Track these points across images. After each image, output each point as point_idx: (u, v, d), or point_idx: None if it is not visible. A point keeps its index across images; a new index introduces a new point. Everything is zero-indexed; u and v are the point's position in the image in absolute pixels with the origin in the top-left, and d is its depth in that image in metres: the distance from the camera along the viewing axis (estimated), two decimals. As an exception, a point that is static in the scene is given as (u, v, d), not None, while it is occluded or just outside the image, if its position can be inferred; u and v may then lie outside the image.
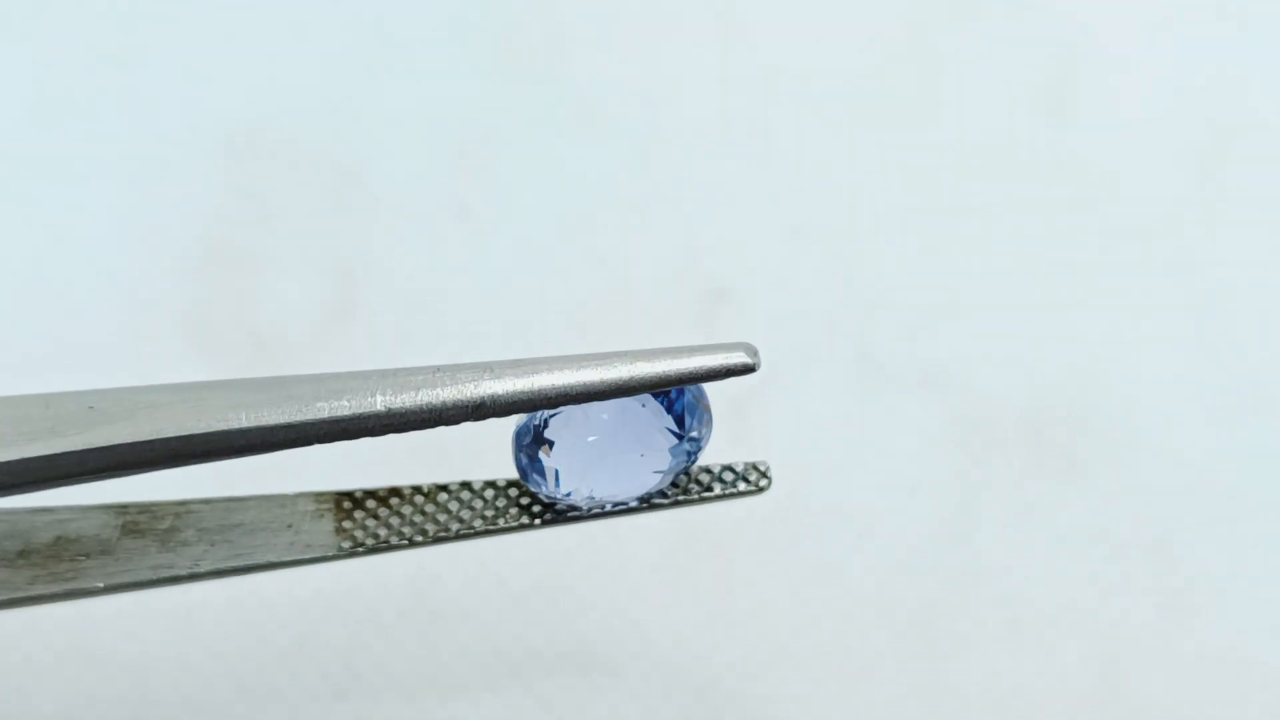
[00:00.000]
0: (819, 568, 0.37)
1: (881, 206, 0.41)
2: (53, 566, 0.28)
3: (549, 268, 0.40)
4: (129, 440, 0.24)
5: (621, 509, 0.28)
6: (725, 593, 0.37)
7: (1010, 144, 0.41)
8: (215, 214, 0.39)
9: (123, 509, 0.28)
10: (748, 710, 0.36)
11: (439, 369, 0.25)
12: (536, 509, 0.28)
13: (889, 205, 0.41)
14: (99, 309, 0.38)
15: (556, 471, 0.27)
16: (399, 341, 0.39)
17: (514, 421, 0.27)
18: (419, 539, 0.28)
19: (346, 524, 0.28)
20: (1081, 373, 0.39)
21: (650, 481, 0.27)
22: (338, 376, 0.25)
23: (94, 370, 0.32)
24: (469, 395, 0.24)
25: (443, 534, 0.28)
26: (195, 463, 0.24)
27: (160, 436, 0.24)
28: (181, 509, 0.28)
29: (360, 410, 0.24)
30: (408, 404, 0.24)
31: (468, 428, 0.25)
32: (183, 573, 0.28)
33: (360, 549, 0.28)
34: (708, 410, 0.27)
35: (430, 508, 0.28)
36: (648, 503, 0.28)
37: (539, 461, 0.27)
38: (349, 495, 0.28)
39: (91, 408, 0.24)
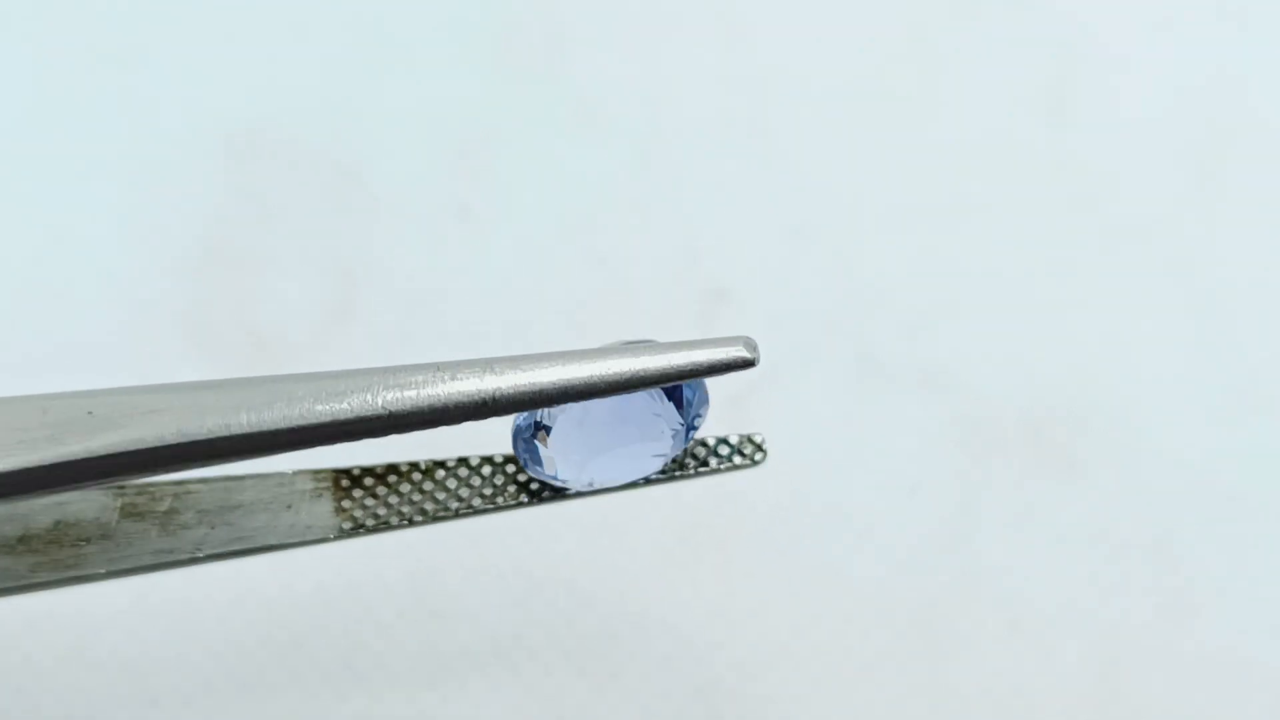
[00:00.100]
0: (819, 568, 0.37)
1: (881, 206, 0.41)
2: (54, 553, 0.28)
3: (549, 268, 0.40)
4: (129, 448, 0.24)
5: (619, 485, 0.28)
6: (725, 592, 0.37)
7: (1010, 144, 0.41)
8: (215, 214, 0.39)
9: (120, 490, 0.28)
10: (748, 710, 0.36)
11: (440, 366, 0.25)
12: (535, 486, 0.28)
13: (889, 205, 0.41)
14: (99, 309, 0.38)
15: (556, 461, 0.27)
16: (399, 341, 0.39)
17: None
18: (419, 518, 0.28)
19: (346, 503, 0.28)
20: (1081, 373, 0.39)
21: (650, 466, 0.28)
22: (338, 376, 0.25)
23: (94, 370, 0.32)
24: (471, 394, 0.24)
25: (442, 513, 0.28)
26: (196, 467, 0.24)
27: (161, 443, 0.24)
28: (180, 489, 0.28)
29: (362, 412, 0.24)
30: (410, 405, 0.24)
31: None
32: (184, 557, 0.28)
33: (361, 529, 0.28)
34: (705, 389, 0.27)
35: (429, 485, 0.28)
36: (644, 479, 0.28)
37: (538, 450, 0.27)
38: (346, 473, 0.28)
39: (90, 412, 0.24)
